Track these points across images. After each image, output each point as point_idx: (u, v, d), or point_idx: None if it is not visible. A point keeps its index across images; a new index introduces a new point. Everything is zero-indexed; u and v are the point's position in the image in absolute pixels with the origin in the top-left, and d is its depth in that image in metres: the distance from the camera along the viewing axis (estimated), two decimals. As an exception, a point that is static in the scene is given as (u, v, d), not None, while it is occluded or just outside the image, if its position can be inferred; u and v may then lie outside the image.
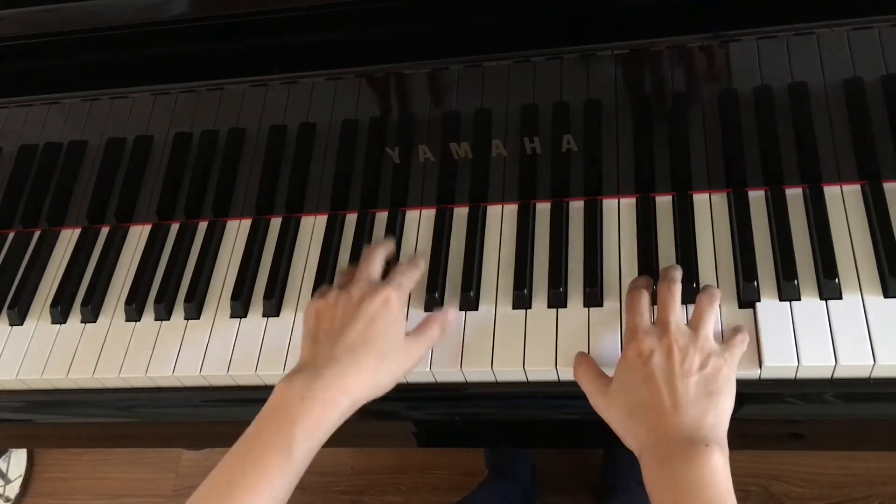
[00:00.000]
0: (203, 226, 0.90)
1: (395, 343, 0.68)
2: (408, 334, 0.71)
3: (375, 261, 0.74)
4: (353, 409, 0.66)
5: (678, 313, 0.68)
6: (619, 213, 0.80)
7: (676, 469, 0.59)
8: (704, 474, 0.58)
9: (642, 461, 0.62)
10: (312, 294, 0.81)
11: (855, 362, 0.67)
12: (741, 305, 0.72)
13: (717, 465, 0.59)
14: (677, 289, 0.69)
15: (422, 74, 0.73)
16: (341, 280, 0.74)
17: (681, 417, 0.61)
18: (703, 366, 0.64)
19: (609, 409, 0.66)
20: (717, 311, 0.70)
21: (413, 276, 0.74)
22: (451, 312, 0.74)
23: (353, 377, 0.65)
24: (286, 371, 0.76)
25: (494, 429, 0.82)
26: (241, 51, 0.77)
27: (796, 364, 0.68)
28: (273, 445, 0.62)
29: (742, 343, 0.68)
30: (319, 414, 0.63)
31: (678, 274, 0.71)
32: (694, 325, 0.67)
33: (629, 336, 0.67)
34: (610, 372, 0.69)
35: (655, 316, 0.69)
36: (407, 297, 0.71)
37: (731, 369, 0.65)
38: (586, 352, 0.71)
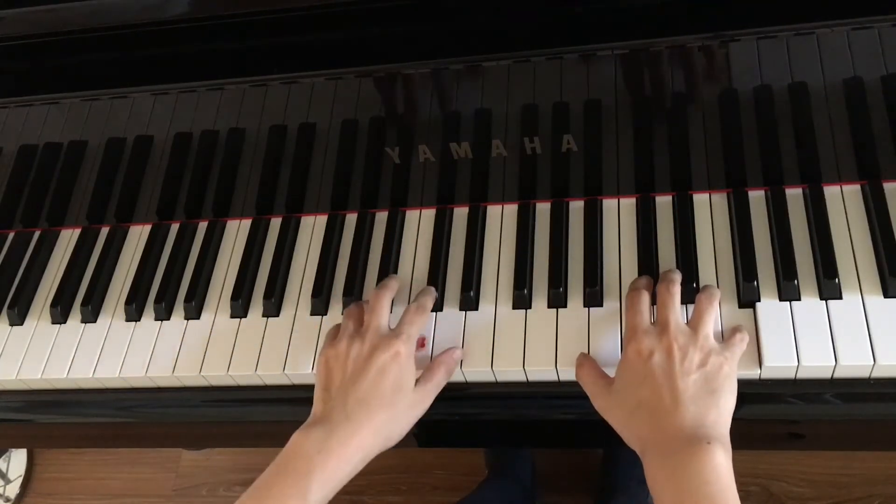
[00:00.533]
0: (203, 226, 0.90)
1: (405, 396, 0.70)
2: (416, 382, 0.71)
3: (384, 308, 0.74)
4: (366, 461, 0.68)
5: (678, 312, 0.68)
6: (619, 213, 0.80)
7: (678, 466, 0.59)
8: (706, 471, 0.58)
9: (645, 460, 0.62)
10: (312, 294, 0.81)
11: (855, 362, 0.67)
12: (741, 305, 0.72)
13: (719, 462, 0.59)
14: (676, 289, 0.70)
15: (422, 74, 0.73)
16: (350, 325, 0.74)
17: (682, 415, 0.61)
18: (703, 364, 0.64)
19: (611, 409, 0.66)
20: (717, 311, 0.70)
21: (421, 322, 0.74)
22: (458, 352, 0.74)
23: (366, 433, 0.67)
24: (284, 367, 0.76)
25: (494, 429, 0.82)
26: (241, 51, 0.77)
27: (796, 364, 0.68)
28: (289, 494, 0.64)
29: (742, 342, 0.68)
30: (334, 467, 0.65)
31: (677, 275, 0.72)
32: (694, 324, 0.68)
33: (629, 336, 0.68)
34: (611, 372, 0.69)
35: (655, 316, 0.69)
36: (414, 348, 0.72)
37: (732, 367, 0.66)
38: (586, 352, 0.72)
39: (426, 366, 0.73)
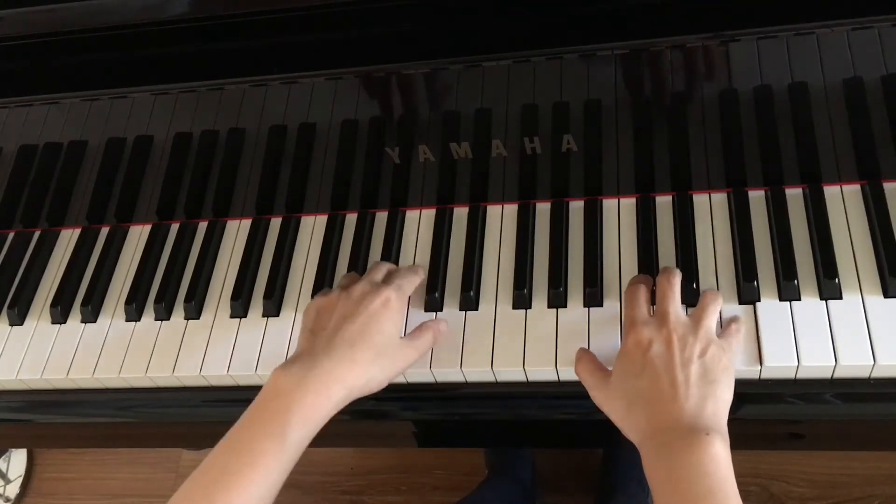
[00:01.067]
0: (203, 226, 0.90)
1: (392, 342, 0.70)
2: (403, 338, 0.72)
3: (380, 269, 0.76)
4: (348, 400, 0.67)
5: (678, 303, 0.68)
6: (619, 213, 0.80)
7: (676, 458, 0.59)
8: (704, 462, 0.58)
9: (642, 451, 0.62)
10: (313, 294, 0.81)
11: (855, 362, 0.67)
12: (741, 305, 0.72)
13: (718, 453, 0.58)
14: (677, 281, 0.69)
15: (422, 74, 0.73)
16: (343, 282, 0.75)
17: (680, 406, 0.61)
18: (702, 354, 0.64)
19: (609, 401, 0.66)
20: (720, 309, 0.70)
21: (413, 280, 0.75)
22: (444, 324, 0.75)
23: (348, 368, 0.66)
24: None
25: (494, 429, 0.82)
26: (241, 51, 0.77)
27: (796, 364, 0.68)
28: (267, 431, 0.63)
29: (738, 332, 0.68)
30: (314, 402, 0.64)
31: (678, 270, 0.72)
32: (696, 316, 0.67)
33: (628, 327, 0.67)
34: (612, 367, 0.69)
35: (655, 310, 0.69)
36: (406, 301, 0.73)
37: (731, 359, 0.65)
38: None
39: (417, 328, 0.74)
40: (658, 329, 0.65)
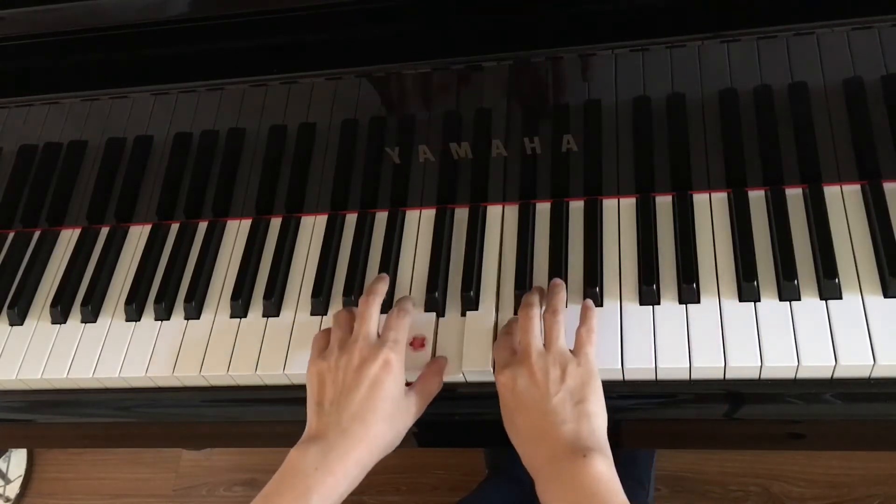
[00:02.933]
0: (203, 226, 0.90)
1: (398, 402, 0.70)
2: (409, 389, 0.72)
3: (373, 316, 0.73)
4: (364, 474, 0.69)
5: (537, 337, 0.69)
6: (619, 213, 0.80)
7: (564, 487, 0.62)
8: (588, 484, 0.60)
9: (537, 488, 0.65)
10: (313, 294, 0.81)
11: (855, 362, 0.67)
12: (741, 303, 0.72)
13: (601, 472, 0.61)
14: (535, 312, 0.70)
15: (422, 74, 0.73)
16: (339, 334, 0.74)
17: (557, 434, 0.63)
18: (563, 378, 0.65)
19: (512, 440, 0.68)
20: (563, 322, 0.70)
21: (405, 326, 0.74)
22: (443, 359, 0.75)
23: (363, 447, 0.67)
24: (284, 367, 0.76)
25: (494, 429, 0.82)
26: (241, 51, 0.77)
27: (796, 364, 0.68)
28: None
29: (589, 335, 0.69)
30: (333, 483, 0.66)
31: (535, 298, 0.72)
32: (547, 343, 0.69)
33: (497, 368, 0.69)
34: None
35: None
36: (404, 352, 0.72)
37: (589, 371, 0.67)
38: None
39: (420, 373, 0.73)
40: (520, 366, 0.67)
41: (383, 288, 0.77)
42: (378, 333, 0.73)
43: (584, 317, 0.71)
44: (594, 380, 0.66)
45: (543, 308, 0.72)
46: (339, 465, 0.66)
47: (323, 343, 0.74)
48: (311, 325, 0.80)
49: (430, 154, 0.79)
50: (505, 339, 0.72)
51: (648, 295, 0.73)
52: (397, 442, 0.71)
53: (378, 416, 0.68)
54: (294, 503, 0.64)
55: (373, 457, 0.68)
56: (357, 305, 0.75)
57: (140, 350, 0.82)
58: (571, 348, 0.69)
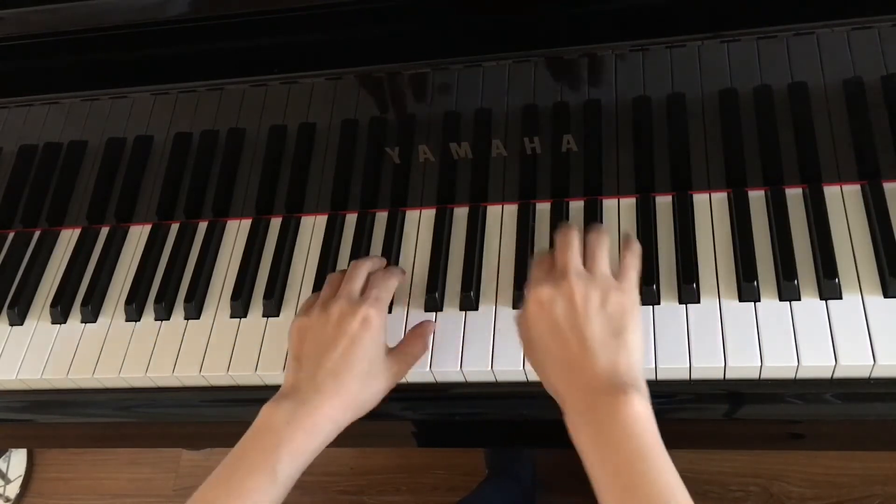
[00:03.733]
0: (203, 226, 0.90)
1: (377, 363, 0.69)
2: (390, 351, 0.71)
3: (358, 277, 0.73)
4: (337, 431, 0.67)
5: (576, 256, 0.65)
6: (619, 213, 0.80)
7: (598, 423, 0.57)
8: (629, 424, 0.56)
9: (566, 419, 0.60)
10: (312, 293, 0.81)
11: (855, 362, 0.67)
12: (741, 303, 0.72)
13: (639, 412, 0.57)
14: (574, 233, 0.67)
15: (422, 74, 0.73)
16: (327, 292, 0.73)
17: (593, 365, 0.59)
18: (603, 303, 0.62)
19: (532, 361, 0.65)
20: (608, 245, 0.68)
21: (391, 286, 0.73)
22: (429, 323, 0.74)
23: (335, 403, 0.66)
24: (284, 367, 0.76)
25: (494, 429, 0.82)
26: (241, 51, 0.77)
27: (796, 364, 0.68)
28: (258, 467, 0.63)
29: (633, 260, 0.66)
30: (303, 439, 0.64)
31: (573, 225, 0.69)
32: (588, 264, 0.65)
33: (529, 287, 0.66)
34: None
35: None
36: (386, 311, 0.71)
37: (631, 299, 0.64)
38: None
39: (403, 337, 0.73)
40: (556, 285, 0.63)
41: (379, 261, 0.77)
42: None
43: (628, 245, 0.68)
44: (636, 309, 0.63)
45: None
46: (310, 420, 0.65)
47: (311, 303, 0.74)
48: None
49: (430, 154, 0.79)
50: (543, 257, 0.68)
51: (648, 295, 0.73)
52: (374, 402, 0.69)
53: (353, 374, 0.67)
54: (263, 459, 0.63)
55: (346, 414, 0.67)
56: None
57: (140, 350, 0.82)
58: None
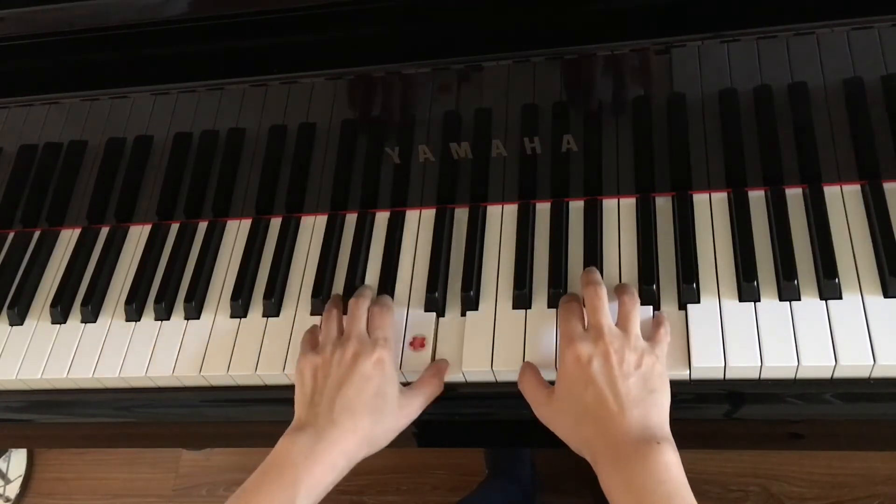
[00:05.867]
0: (203, 226, 0.90)
1: (391, 402, 0.70)
2: (405, 390, 0.72)
3: (362, 316, 0.75)
4: (350, 467, 0.68)
5: (608, 315, 0.68)
6: (619, 213, 0.80)
7: (632, 471, 0.60)
8: (660, 471, 0.60)
9: (597, 468, 0.63)
10: (313, 294, 0.81)
11: (855, 362, 0.67)
12: (741, 303, 0.72)
13: (670, 461, 0.60)
14: (602, 291, 0.70)
15: (422, 74, 0.73)
16: (333, 333, 0.75)
17: (628, 419, 0.62)
18: (639, 365, 0.65)
19: (556, 417, 0.67)
20: (639, 309, 0.70)
21: (390, 323, 0.75)
22: (444, 362, 0.75)
23: (351, 439, 0.67)
24: (284, 367, 0.76)
25: (494, 429, 0.82)
26: (241, 51, 0.77)
27: (796, 364, 0.68)
28: (276, 500, 0.64)
29: (666, 335, 0.69)
30: (321, 473, 0.65)
31: (597, 274, 0.72)
32: (623, 325, 0.68)
33: (564, 343, 0.68)
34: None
35: (587, 321, 0.70)
36: (394, 350, 0.73)
37: (663, 365, 0.67)
38: None
39: (421, 375, 0.74)
40: (595, 343, 0.66)
41: (370, 293, 0.78)
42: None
43: (660, 321, 0.71)
44: (666, 375, 0.66)
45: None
46: (328, 456, 0.66)
47: (312, 340, 0.76)
48: (310, 325, 0.80)
49: (430, 154, 0.79)
50: (572, 307, 0.71)
51: (649, 295, 0.73)
52: (387, 440, 0.71)
53: (367, 410, 0.68)
54: (281, 493, 0.64)
55: (360, 450, 0.68)
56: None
57: (140, 350, 0.82)
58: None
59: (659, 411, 0.64)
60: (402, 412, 0.71)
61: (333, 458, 0.66)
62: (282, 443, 0.67)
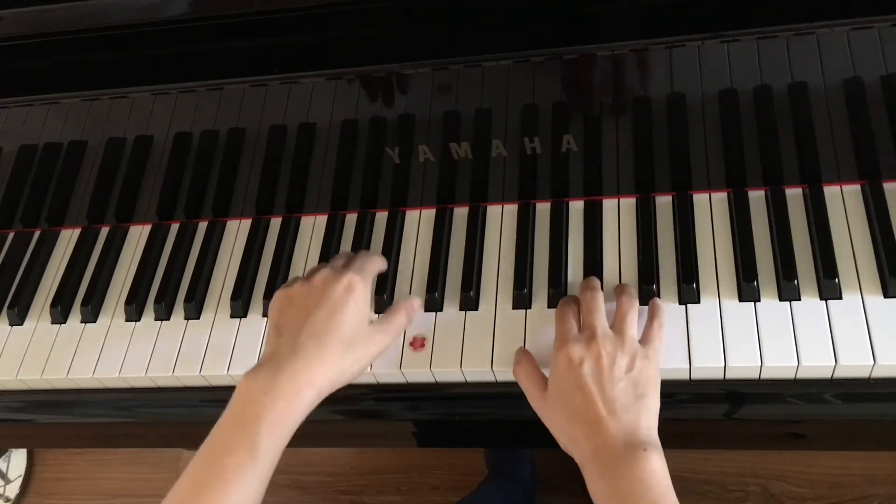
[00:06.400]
0: (203, 226, 0.90)
1: (360, 330, 0.68)
2: (374, 322, 0.71)
3: (341, 256, 0.75)
4: (319, 398, 0.65)
5: (603, 318, 0.68)
6: (618, 213, 0.80)
7: (619, 476, 0.61)
8: (645, 478, 0.60)
9: (584, 471, 0.63)
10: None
11: (855, 362, 0.67)
12: (741, 303, 0.72)
13: (657, 467, 0.60)
14: (599, 295, 0.70)
15: (422, 74, 0.73)
16: (307, 273, 0.74)
17: (615, 424, 0.62)
18: (630, 368, 0.65)
19: (547, 414, 0.67)
20: (637, 311, 0.70)
21: (375, 262, 0.74)
22: (417, 300, 0.75)
23: (316, 367, 0.64)
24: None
25: (494, 429, 0.82)
26: (241, 51, 0.77)
27: (796, 364, 0.68)
28: (238, 443, 0.61)
29: (659, 330, 0.69)
30: (284, 407, 0.62)
31: (597, 283, 0.72)
32: (618, 328, 0.68)
33: (558, 343, 0.68)
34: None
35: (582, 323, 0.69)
36: (371, 284, 0.72)
37: (655, 367, 0.67)
38: None
39: (388, 310, 0.73)
40: (587, 345, 0.66)
41: (353, 255, 0.77)
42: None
43: (655, 313, 0.70)
44: (657, 377, 0.66)
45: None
46: (290, 386, 0.63)
47: (292, 280, 0.74)
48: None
49: (430, 154, 0.79)
50: (568, 309, 0.70)
51: (648, 295, 0.73)
52: (356, 371, 0.68)
53: (335, 338, 0.66)
54: (242, 433, 0.61)
55: (328, 379, 0.65)
56: None
57: (140, 350, 0.82)
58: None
59: (647, 416, 0.64)
60: (373, 339, 0.69)
61: (298, 388, 0.63)
62: (242, 381, 0.64)
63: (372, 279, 0.73)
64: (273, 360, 0.65)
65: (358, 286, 0.69)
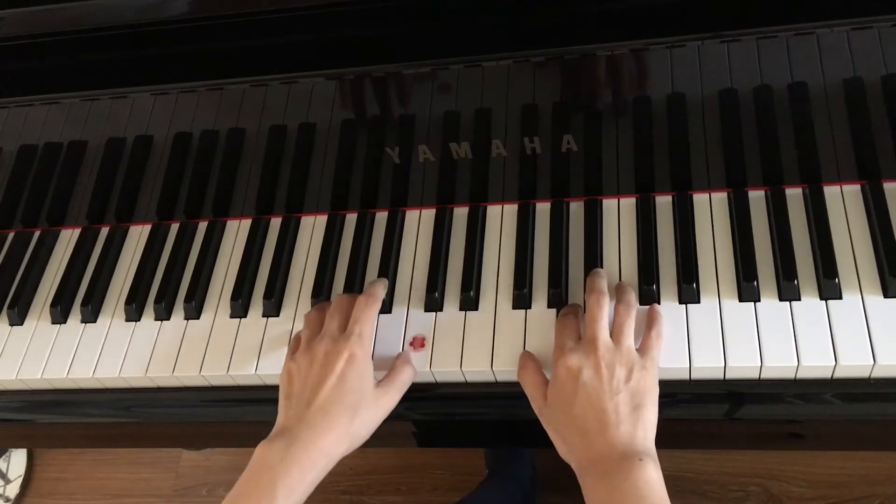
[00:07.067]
0: (203, 226, 0.90)
1: (366, 395, 0.70)
2: (380, 382, 0.72)
3: (339, 313, 0.74)
4: (331, 465, 0.69)
5: (605, 328, 0.68)
6: (619, 213, 0.80)
7: (615, 485, 0.61)
8: (640, 487, 0.61)
9: (581, 479, 0.64)
10: (313, 294, 0.81)
11: (855, 362, 0.67)
12: (741, 303, 0.72)
13: (652, 478, 0.61)
14: (605, 301, 0.70)
15: (422, 74, 0.73)
16: (306, 333, 0.75)
17: (613, 435, 0.63)
18: (628, 379, 0.65)
19: (547, 421, 0.68)
20: (634, 318, 0.70)
21: (371, 316, 0.74)
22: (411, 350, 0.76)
23: (327, 437, 0.68)
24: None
25: (494, 429, 0.82)
26: (241, 51, 0.77)
27: (796, 364, 0.68)
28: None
29: (658, 339, 0.69)
30: (298, 474, 0.66)
31: (604, 284, 0.72)
32: (616, 337, 0.68)
33: (558, 353, 0.68)
34: None
35: (584, 329, 0.69)
36: (370, 344, 0.73)
37: (653, 377, 0.67)
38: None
39: (392, 364, 0.74)
40: (587, 356, 0.66)
41: (381, 290, 0.77)
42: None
43: (654, 321, 0.71)
44: (655, 388, 0.67)
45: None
46: (304, 455, 0.66)
47: (296, 344, 0.76)
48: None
49: (430, 154, 0.79)
50: (569, 320, 0.71)
51: (649, 295, 0.73)
52: (368, 434, 0.71)
53: (342, 408, 0.68)
54: (260, 497, 0.65)
55: (340, 447, 0.68)
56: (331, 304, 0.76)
57: (140, 350, 0.82)
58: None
59: (644, 427, 0.64)
60: (379, 403, 0.71)
61: (311, 457, 0.67)
62: (258, 450, 0.68)
63: (371, 335, 0.73)
64: (287, 432, 0.68)
65: (358, 355, 0.70)
